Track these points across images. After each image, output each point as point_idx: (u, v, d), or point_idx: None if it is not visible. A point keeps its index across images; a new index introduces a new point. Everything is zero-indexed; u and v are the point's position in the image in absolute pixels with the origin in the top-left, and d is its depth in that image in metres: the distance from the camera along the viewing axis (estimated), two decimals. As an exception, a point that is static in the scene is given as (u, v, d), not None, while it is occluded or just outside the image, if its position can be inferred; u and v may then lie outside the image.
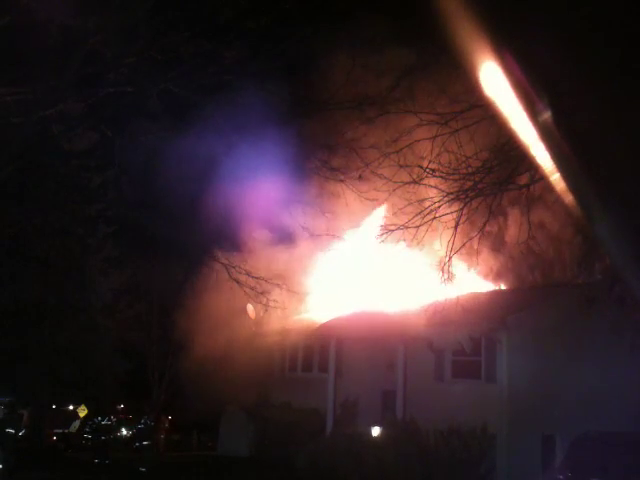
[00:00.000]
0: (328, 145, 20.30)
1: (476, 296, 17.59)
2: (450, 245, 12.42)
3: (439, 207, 12.38)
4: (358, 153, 17.46)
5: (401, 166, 12.84)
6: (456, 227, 12.35)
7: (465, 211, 12.43)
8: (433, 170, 12.28)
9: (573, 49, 4.21)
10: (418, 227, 12.46)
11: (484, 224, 12.85)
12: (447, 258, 12.54)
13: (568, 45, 4.24)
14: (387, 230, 12.86)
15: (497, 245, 19.71)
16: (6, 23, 11.14)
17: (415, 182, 12.72)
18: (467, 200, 12.29)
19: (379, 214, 18.92)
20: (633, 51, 4.17)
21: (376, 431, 19.13)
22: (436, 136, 12.40)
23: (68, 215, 16.37)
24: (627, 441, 13.32)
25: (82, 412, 29.54)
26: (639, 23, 4.20)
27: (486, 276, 20.57)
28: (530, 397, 16.60)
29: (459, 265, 14.77)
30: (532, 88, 4.32)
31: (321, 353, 22.54)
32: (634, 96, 4.27)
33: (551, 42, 4.22)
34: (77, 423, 29.73)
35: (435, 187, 12.58)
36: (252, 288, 17.55)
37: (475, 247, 13.00)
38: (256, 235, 21.90)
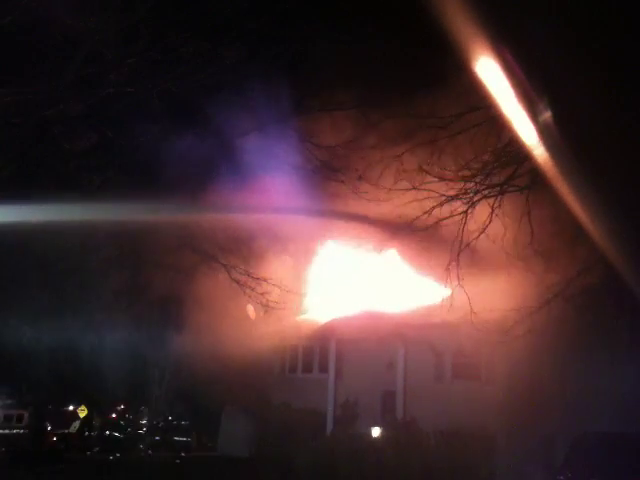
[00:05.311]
0: (328, 146, 20.27)
1: (476, 296, 17.57)
2: (451, 246, 12.46)
3: (441, 208, 12.42)
4: (358, 154, 17.44)
5: (402, 171, 12.90)
6: (463, 228, 12.38)
7: (467, 212, 12.46)
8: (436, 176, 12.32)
9: (573, 49, 4.21)
10: (418, 228, 12.49)
11: (486, 226, 12.87)
12: (448, 259, 12.57)
13: (568, 46, 4.24)
14: (388, 231, 12.89)
15: (497, 245, 19.67)
16: (6, 23, 11.14)
17: (415, 188, 12.76)
18: (471, 204, 12.34)
19: (380, 215, 18.88)
20: (632, 51, 4.17)
21: (376, 431, 19.14)
22: (436, 139, 12.43)
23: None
24: (627, 441, 13.32)
25: (82, 412, 29.47)
26: (638, 23, 4.20)
27: (486, 276, 20.53)
28: (530, 397, 16.59)
29: (459, 265, 14.76)
30: (532, 88, 4.32)
31: (321, 353, 22.56)
32: (633, 96, 4.27)
33: (551, 42, 4.22)
34: (77, 424, 29.65)
35: (435, 191, 12.61)
36: (252, 289, 17.56)
37: (476, 248, 13.04)
38: (256, 236, 21.87)
